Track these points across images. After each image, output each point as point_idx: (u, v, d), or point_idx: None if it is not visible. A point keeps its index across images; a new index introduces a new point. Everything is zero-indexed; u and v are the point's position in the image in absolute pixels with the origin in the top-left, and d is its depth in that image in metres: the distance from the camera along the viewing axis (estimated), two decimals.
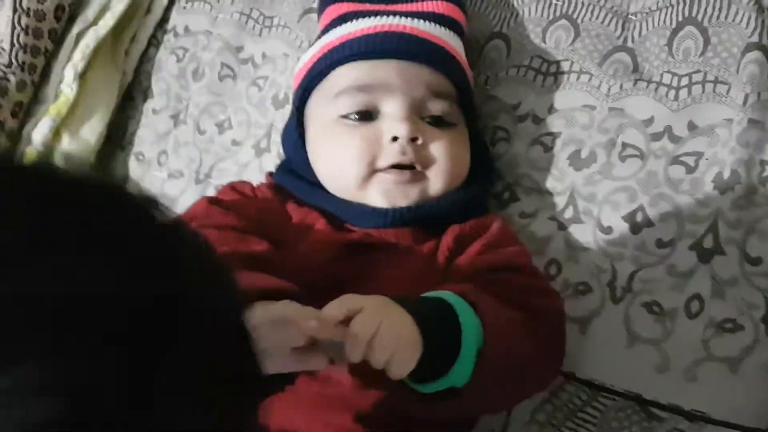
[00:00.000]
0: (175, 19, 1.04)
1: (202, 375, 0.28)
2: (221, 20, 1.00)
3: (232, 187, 0.74)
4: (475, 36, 0.81)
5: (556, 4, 0.78)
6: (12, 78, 1.00)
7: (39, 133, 0.98)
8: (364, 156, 0.67)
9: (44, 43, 1.03)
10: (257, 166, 0.90)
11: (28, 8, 1.01)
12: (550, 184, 0.74)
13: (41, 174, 0.29)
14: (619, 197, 0.70)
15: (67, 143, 0.98)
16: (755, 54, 0.66)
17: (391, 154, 0.67)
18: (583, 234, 0.71)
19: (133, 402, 0.25)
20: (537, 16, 0.79)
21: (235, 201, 0.71)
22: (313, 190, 0.71)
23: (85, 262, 0.26)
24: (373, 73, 0.69)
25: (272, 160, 0.88)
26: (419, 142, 0.67)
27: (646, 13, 0.74)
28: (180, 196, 0.95)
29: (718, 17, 0.69)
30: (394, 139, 0.67)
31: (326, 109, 0.70)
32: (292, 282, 0.56)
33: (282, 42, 0.94)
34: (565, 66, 0.76)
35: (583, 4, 0.77)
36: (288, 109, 0.87)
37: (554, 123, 0.76)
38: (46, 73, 1.03)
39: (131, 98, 1.05)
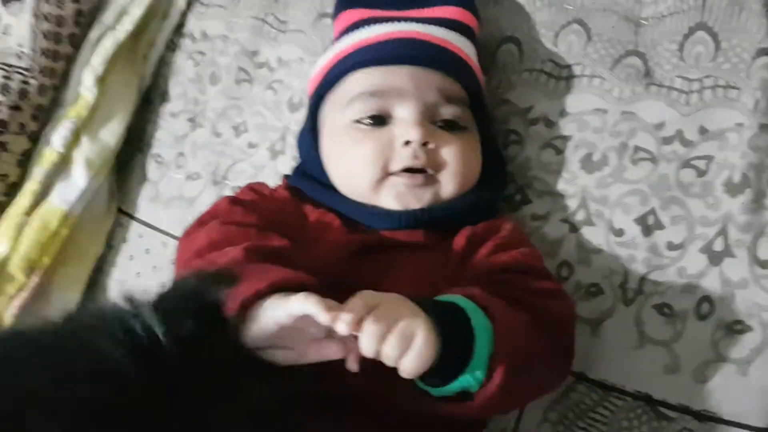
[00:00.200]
0: (193, 24, 1.05)
1: None
2: (237, 25, 1.01)
3: (251, 188, 0.75)
4: (487, 40, 0.81)
5: (568, 9, 0.79)
6: (33, 82, 1.02)
7: (59, 135, 0.99)
8: (377, 160, 0.68)
9: (64, 47, 1.04)
10: (272, 168, 0.91)
11: (48, 13, 1.03)
12: (561, 186, 0.75)
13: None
14: (631, 200, 0.71)
15: (86, 146, 1.00)
16: (766, 59, 0.67)
17: (403, 158, 0.68)
18: (595, 236, 0.72)
19: None
20: (549, 21, 0.79)
21: (255, 201, 0.72)
22: (328, 192, 0.72)
23: None
24: (386, 78, 0.70)
25: (287, 162, 0.90)
26: (431, 146, 0.68)
27: (658, 18, 0.74)
28: (197, 197, 0.97)
29: (729, 23, 0.69)
30: (407, 143, 0.68)
31: (340, 114, 0.71)
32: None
33: (297, 46, 0.95)
34: (577, 70, 0.77)
35: (595, 8, 0.77)
36: (302, 112, 0.88)
37: (566, 126, 0.76)
38: (66, 77, 1.05)
39: (149, 101, 1.06)
